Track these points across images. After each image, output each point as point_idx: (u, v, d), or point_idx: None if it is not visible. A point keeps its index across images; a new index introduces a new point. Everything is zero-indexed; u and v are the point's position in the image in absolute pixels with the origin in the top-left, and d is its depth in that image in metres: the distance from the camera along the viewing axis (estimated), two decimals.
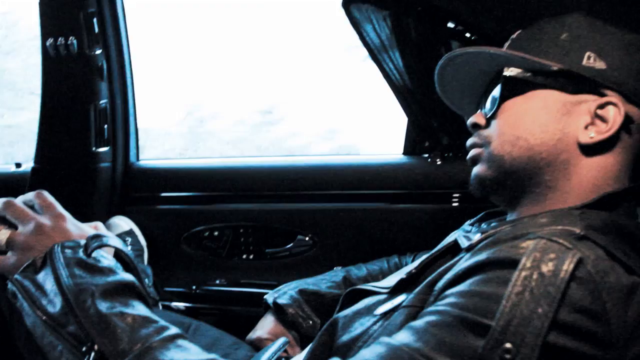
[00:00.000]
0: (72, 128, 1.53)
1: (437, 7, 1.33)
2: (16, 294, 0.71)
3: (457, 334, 0.59)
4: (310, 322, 1.11)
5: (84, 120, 1.52)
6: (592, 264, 0.60)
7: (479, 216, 0.99)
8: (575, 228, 0.65)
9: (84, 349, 0.66)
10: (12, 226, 0.77)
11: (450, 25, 1.37)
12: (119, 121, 1.60)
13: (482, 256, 0.65)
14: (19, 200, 0.80)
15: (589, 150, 0.75)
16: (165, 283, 1.62)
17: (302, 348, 1.05)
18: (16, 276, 0.72)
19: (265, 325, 1.15)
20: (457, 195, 1.46)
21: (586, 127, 0.75)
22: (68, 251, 0.73)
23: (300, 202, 1.55)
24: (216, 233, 1.60)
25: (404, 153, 1.58)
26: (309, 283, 1.19)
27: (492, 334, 0.57)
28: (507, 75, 0.81)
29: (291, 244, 1.57)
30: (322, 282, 1.20)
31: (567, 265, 0.59)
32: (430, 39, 1.38)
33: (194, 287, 1.58)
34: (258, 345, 1.12)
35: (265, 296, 1.17)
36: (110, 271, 0.73)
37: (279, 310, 1.13)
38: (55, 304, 0.69)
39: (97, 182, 1.57)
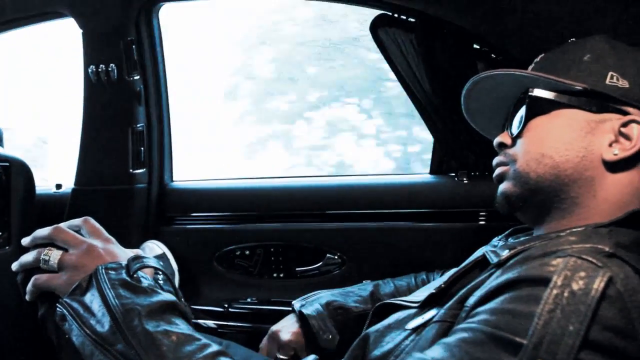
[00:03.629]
0: (110, 150, 1.59)
1: (463, 29, 1.36)
2: (65, 316, 0.74)
3: (490, 352, 0.60)
4: (330, 336, 1.13)
5: (122, 143, 1.58)
6: (622, 282, 0.61)
7: (506, 232, 1.00)
8: (605, 246, 0.66)
9: None
10: (61, 249, 0.81)
11: (476, 46, 1.40)
12: (154, 143, 1.66)
13: (512, 273, 0.66)
14: (64, 226, 0.84)
15: (613, 167, 0.77)
16: (197, 301, 1.65)
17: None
18: (65, 299, 0.75)
19: (287, 324, 1.20)
20: (484, 213, 1.47)
21: (610, 145, 0.77)
22: (112, 273, 0.76)
23: (329, 222, 1.58)
24: (247, 252, 1.63)
25: (431, 172, 1.60)
26: (337, 295, 1.21)
27: (525, 352, 0.58)
28: (533, 95, 0.83)
29: (320, 263, 1.59)
30: (350, 295, 1.22)
31: (598, 284, 0.60)
32: (456, 60, 1.41)
33: (225, 305, 1.61)
34: (273, 337, 1.18)
35: (294, 301, 1.21)
36: (153, 291, 0.76)
37: (302, 319, 1.16)
38: (103, 324, 0.71)
39: (134, 203, 1.63)
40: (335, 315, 1.16)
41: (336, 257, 1.58)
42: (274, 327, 1.21)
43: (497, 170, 0.89)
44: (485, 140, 1.03)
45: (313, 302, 1.18)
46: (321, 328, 1.13)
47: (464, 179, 1.51)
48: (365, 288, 1.25)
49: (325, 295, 1.21)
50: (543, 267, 0.64)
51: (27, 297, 0.82)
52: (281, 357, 1.17)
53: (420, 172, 1.62)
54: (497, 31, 1.32)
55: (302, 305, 1.17)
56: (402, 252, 1.53)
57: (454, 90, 1.40)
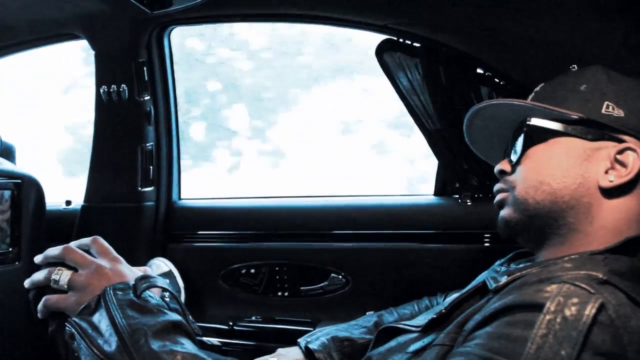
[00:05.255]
0: (120, 169, 1.62)
1: (467, 55, 1.39)
2: (74, 335, 0.76)
3: None
4: None
5: (131, 161, 1.61)
6: (614, 309, 0.62)
7: (508, 256, 1.02)
8: (599, 273, 0.67)
9: None
10: (71, 269, 0.83)
11: (480, 71, 1.42)
12: (163, 162, 1.69)
13: (508, 299, 0.68)
14: (74, 245, 0.86)
15: (609, 193, 0.79)
16: (203, 318, 1.67)
17: None
18: (74, 319, 0.77)
19: (293, 352, 1.19)
20: (488, 235, 1.48)
21: (606, 172, 0.79)
22: (119, 293, 0.78)
23: (334, 242, 1.59)
24: (253, 270, 1.64)
25: (435, 194, 1.61)
26: (341, 329, 1.22)
27: None
28: (531, 124, 0.86)
29: (325, 282, 1.60)
30: (355, 327, 1.22)
31: (589, 310, 0.61)
32: (460, 84, 1.44)
33: (230, 323, 1.62)
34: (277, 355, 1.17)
35: (299, 339, 1.21)
36: (159, 311, 0.78)
37: (309, 354, 1.17)
38: (110, 344, 0.73)
39: (142, 220, 1.65)
40: (342, 348, 1.16)
41: (340, 276, 1.59)
42: (281, 350, 1.20)
43: (498, 197, 0.91)
44: (488, 163, 1.05)
45: (319, 337, 1.19)
46: None
47: (468, 200, 1.53)
48: (369, 319, 1.25)
49: (329, 330, 1.21)
50: (537, 293, 0.66)
51: (38, 315, 0.84)
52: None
53: (425, 194, 1.63)
54: (499, 57, 1.34)
55: (308, 342, 1.18)
56: (406, 272, 1.53)
57: (457, 113, 1.43)
